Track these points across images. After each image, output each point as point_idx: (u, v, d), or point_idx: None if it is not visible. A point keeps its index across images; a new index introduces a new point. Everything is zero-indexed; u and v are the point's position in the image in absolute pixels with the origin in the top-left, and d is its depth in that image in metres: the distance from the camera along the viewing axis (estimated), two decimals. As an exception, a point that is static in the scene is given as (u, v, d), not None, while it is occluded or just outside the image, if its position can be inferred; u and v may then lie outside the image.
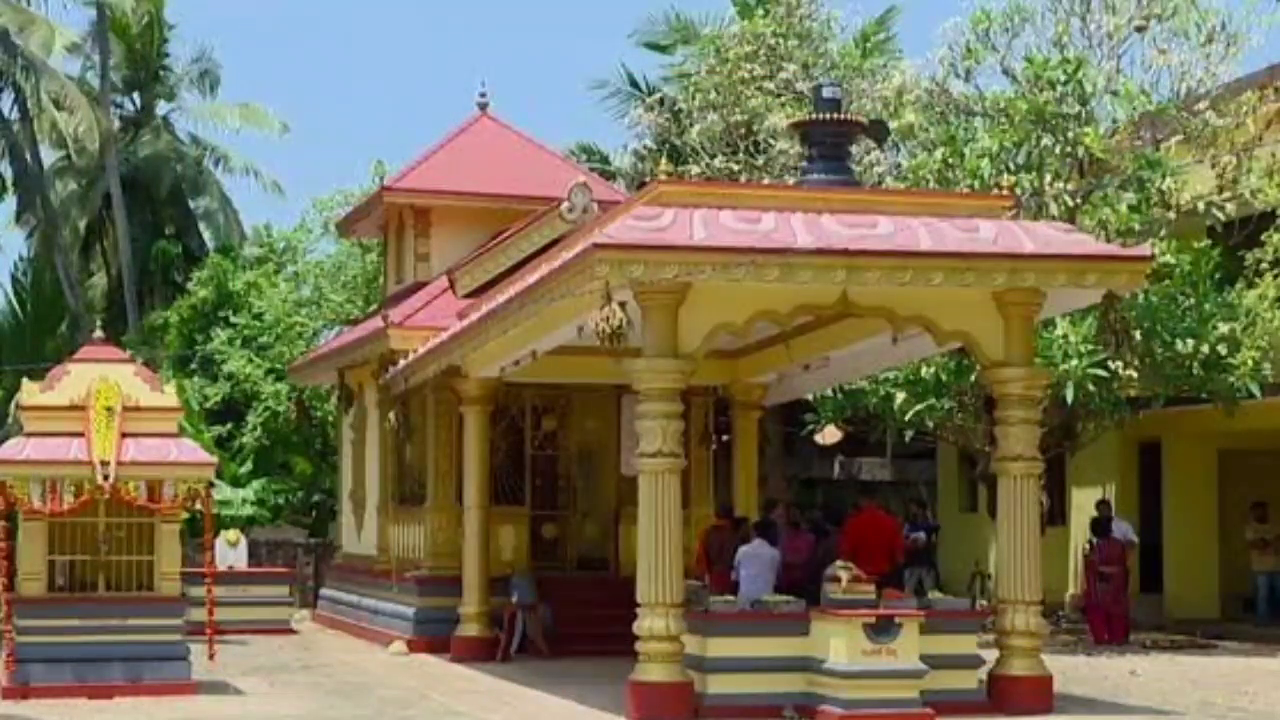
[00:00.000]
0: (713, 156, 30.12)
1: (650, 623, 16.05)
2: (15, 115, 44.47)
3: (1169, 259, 23.25)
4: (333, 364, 28.30)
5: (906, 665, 15.93)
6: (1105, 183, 24.29)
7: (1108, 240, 22.19)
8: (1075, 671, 20.41)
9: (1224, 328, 23.24)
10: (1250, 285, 24.23)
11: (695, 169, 29.73)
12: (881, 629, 15.89)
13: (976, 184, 23.05)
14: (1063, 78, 23.97)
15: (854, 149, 22.91)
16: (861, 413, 25.88)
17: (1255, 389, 23.34)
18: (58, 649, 18.08)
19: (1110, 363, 22.39)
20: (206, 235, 47.80)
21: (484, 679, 20.16)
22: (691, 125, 30.77)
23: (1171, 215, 24.09)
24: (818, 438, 27.55)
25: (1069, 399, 22.71)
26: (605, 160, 36.01)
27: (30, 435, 18.46)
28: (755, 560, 18.45)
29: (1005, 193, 18.54)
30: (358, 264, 36.90)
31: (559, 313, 17.41)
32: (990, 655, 17.23)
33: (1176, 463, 28.41)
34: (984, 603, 23.48)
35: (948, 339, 17.56)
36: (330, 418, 33.26)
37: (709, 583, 18.76)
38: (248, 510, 34.18)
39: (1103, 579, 24.89)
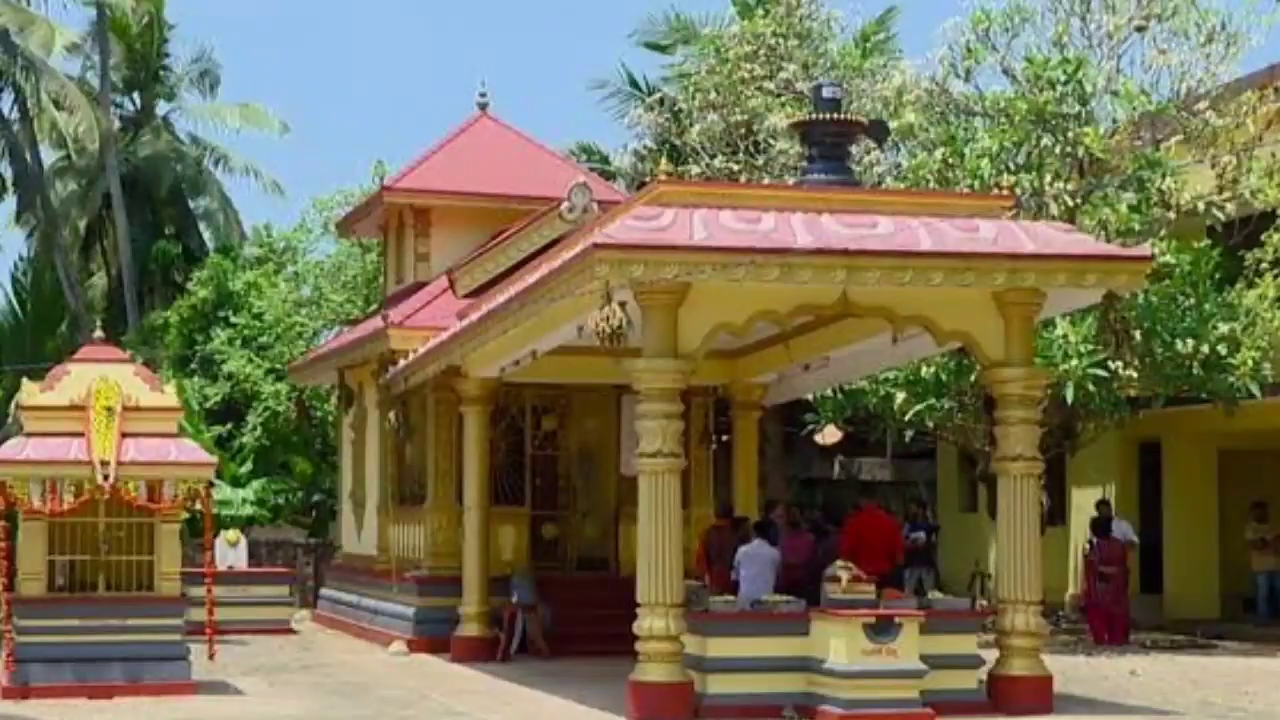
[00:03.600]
0: (713, 156, 30.11)
1: (650, 623, 16.05)
2: (15, 115, 44.44)
3: (1169, 259, 23.22)
4: (333, 364, 28.30)
5: (906, 665, 15.92)
6: (1105, 183, 24.29)
7: (1108, 240, 22.19)
8: (1075, 671, 20.40)
9: (1224, 328, 23.23)
10: (1250, 285, 24.21)
11: (695, 169, 29.72)
12: (881, 629, 15.89)
13: (976, 184, 23.05)
14: (1063, 78, 23.96)
15: (854, 149, 22.91)
16: (861, 413, 25.87)
17: (1255, 389, 23.33)
18: (58, 649, 18.07)
19: (1110, 363, 22.37)
20: (206, 235, 47.76)
21: (484, 679, 20.15)
22: (691, 125, 30.76)
23: (1171, 215, 24.08)
24: (818, 438, 27.54)
25: (1069, 399, 22.70)
26: (605, 160, 35.99)
27: (30, 435, 18.46)
28: (755, 560, 18.45)
29: (1005, 193, 18.56)
30: (358, 264, 36.86)
31: (559, 313, 17.40)
32: (990, 655, 17.23)
33: (1176, 463, 28.41)
34: (984, 603, 23.49)
35: (948, 339, 17.56)
36: (330, 418, 33.25)
37: (709, 583, 18.77)
38: (248, 510, 34.13)
39: (1103, 579, 24.88)
